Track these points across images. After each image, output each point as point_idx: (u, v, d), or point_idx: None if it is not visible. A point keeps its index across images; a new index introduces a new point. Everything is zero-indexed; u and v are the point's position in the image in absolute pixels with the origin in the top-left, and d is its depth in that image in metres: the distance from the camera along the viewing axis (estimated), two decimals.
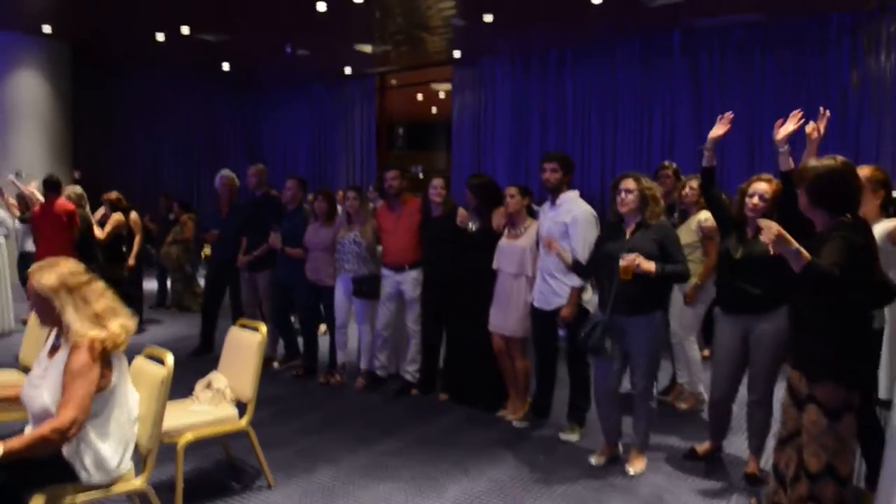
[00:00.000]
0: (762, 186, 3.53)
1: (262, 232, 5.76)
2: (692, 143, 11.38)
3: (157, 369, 2.74)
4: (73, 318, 2.46)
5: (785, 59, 10.75)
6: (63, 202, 6.52)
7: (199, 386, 3.51)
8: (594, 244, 3.93)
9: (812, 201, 2.68)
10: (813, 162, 2.72)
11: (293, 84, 15.48)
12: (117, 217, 7.17)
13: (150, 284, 10.60)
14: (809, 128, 3.21)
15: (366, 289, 5.17)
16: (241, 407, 3.45)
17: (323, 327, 6.59)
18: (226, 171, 6.37)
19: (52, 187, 6.56)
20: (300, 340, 5.92)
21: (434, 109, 17.46)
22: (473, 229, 4.76)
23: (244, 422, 3.37)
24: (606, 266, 3.68)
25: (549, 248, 3.93)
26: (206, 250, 13.11)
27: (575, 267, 3.93)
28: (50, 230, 6.44)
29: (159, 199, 9.78)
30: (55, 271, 2.52)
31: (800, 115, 3.32)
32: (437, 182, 5.06)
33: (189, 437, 3.16)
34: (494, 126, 13.45)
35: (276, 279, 5.79)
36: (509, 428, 4.48)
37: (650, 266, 3.47)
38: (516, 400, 4.67)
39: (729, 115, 3.72)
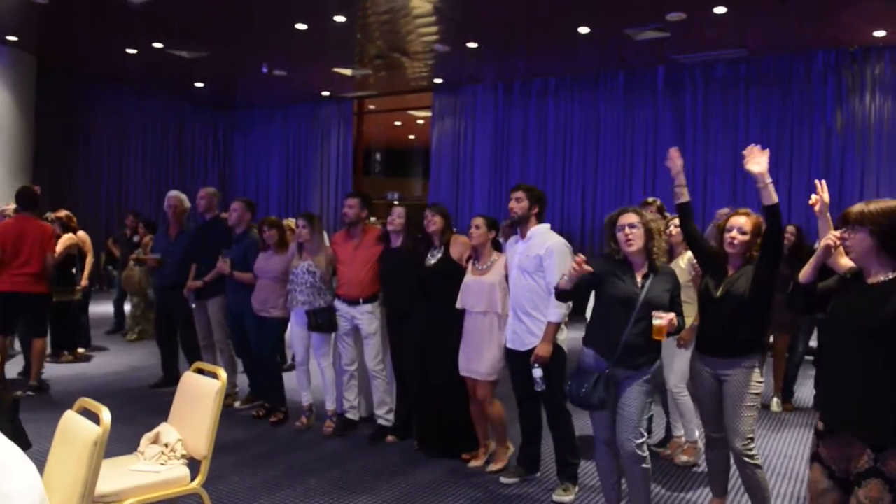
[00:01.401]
0: (740, 220, 3.31)
1: (211, 257, 5.38)
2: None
3: (89, 428, 2.29)
4: None
5: (769, 96, 10.69)
6: (43, 224, 6.06)
7: (145, 441, 3.04)
8: (594, 273, 3.53)
9: (883, 245, 2.34)
10: (875, 204, 2.40)
11: (269, 105, 15.13)
12: (69, 237, 6.73)
13: (102, 308, 10.06)
14: (812, 200, 3.00)
15: (321, 321, 4.79)
16: (193, 465, 2.99)
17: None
18: (173, 192, 6.04)
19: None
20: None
21: (412, 136, 17.21)
22: (433, 261, 4.44)
23: (196, 483, 2.91)
24: (617, 310, 3.29)
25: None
26: None
27: (561, 293, 3.51)
28: None
29: (126, 217, 9.26)
30: None
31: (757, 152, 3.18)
32: (398, 210, 4.73)
33: (131, 502, 2.70)
34: (474, 153, 13.20)
35: (229, 307, 5.42)
36: (495, 485, 4.06)
37: (676, 324, 3.16)
38: (498, 448, 4.30)
39: (673, 150, 3.56)
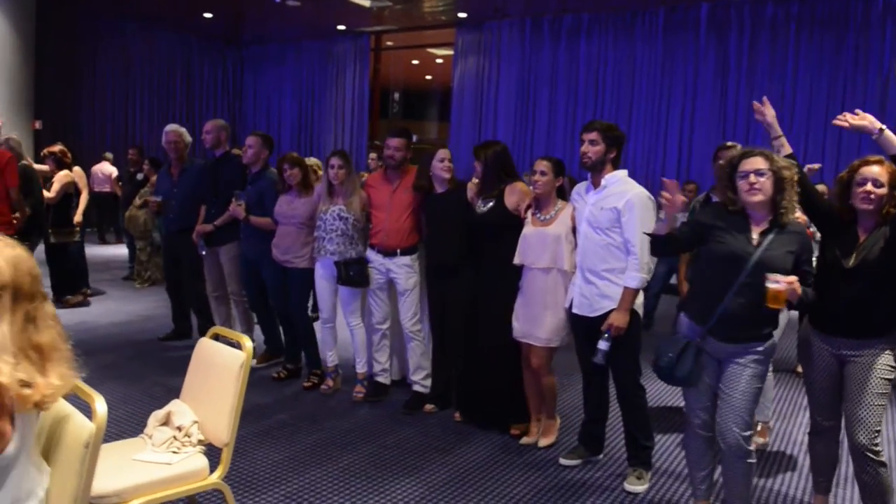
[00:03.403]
0: (874, 170, 2.66)
1: (222, 199, 4.77)
2: (714, 126, 10.55)
3: (79, 423, 1.72)
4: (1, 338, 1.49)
5: (822, 40, 9.87)
6: None
7: (154, 421, 2.49)
8: (694, 226, 2.94)
9: None
10: None
11: (281, 39, 14.28)
12: (65, 174, 6.17)
13: (111, 251, 9.52)
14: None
15: (353, 274, 4.19)
16: (211, 452, 2.44)
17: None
18: (171, 127, 5.25)
19: None
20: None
21: (429, 76, 16.36)
22: (483, 209, 3.82)
23: (217, 476, 2.37)
24: (718, 269, 2.72)
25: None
26: None
27: (658, 244, 2.92)
28: None
29: (128, 153, 8.62)
30: (12, 260, 1.54)
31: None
32: (444, 154, 4.09)
33: (137, 503, 2.15)
34: (498, 95, 12.42)
35: (243, 255, 4.79)
36: (554, 467, 3.53)
37: (800, 292, 2.52)
38: (547, 422, 3.80)
39: (763, 100, 2.97)
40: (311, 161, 5.95)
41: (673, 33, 10.84)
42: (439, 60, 14.73)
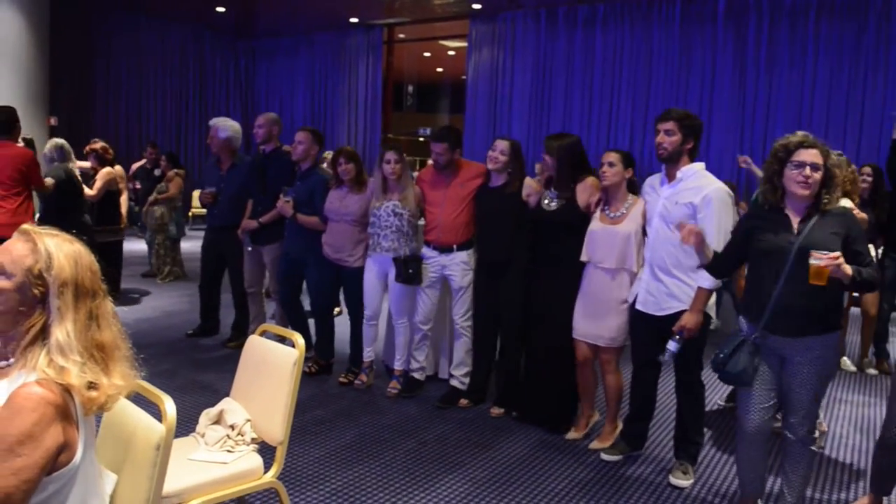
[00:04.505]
0: None
1: (270, 195, 4.69)
2: (732, 117, 10.43)
3: (147, 424, 1.69)
4: (64, 337, 1.45)
5: (842, 29, 9.73)
6: (16, 149, 4.88)
7: (205, 419, 2.45)
8: (736, 236, 2.91)
9: None
10: None
11: (293, 32, 14.21)
12: (107, 171, 6.15)
13: (130, 247, 9.51)
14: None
15: (412, 272, 4.11)
16: (264, 451, 2.41)
17: (336, 310, 5.62)
18: (213, 121, 5.19)
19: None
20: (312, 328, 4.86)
21: (441, 68, 16.28)
22: (553, 206, 3.70)
23: (272, 475, 2.34)
24: (765, 265, 2.67)
25: (686, 238, 2.84)
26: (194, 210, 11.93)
27: (713, 265, 2.89)
28: None
29: (145, 150, 8.61)
30: (73, 255, 1.51)
31: None
32: (501, 145, 3.96)
33: (195, 503, 2.12)
34: (513, 88, 12.29)
35: (285, 253, 4.72)
36: (596, 461, 3.49)
37: (848, 270, 2.44)
38: (607, 425, 3.71)
39: None
40: (326, 155, 5.89)
41: (690, 22, 10.72)
42: (451, 52, 14.65)
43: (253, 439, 2.40)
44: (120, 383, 1.54)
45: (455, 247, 4.11)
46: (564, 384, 3.78)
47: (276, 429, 2.33)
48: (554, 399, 3.82)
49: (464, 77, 12.92)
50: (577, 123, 11.57)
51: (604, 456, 3.53)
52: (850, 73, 9.64)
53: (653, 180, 3.42)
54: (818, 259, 2.42)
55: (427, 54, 15.39)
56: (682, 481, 3.28)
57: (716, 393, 4.44)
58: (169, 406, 1.69)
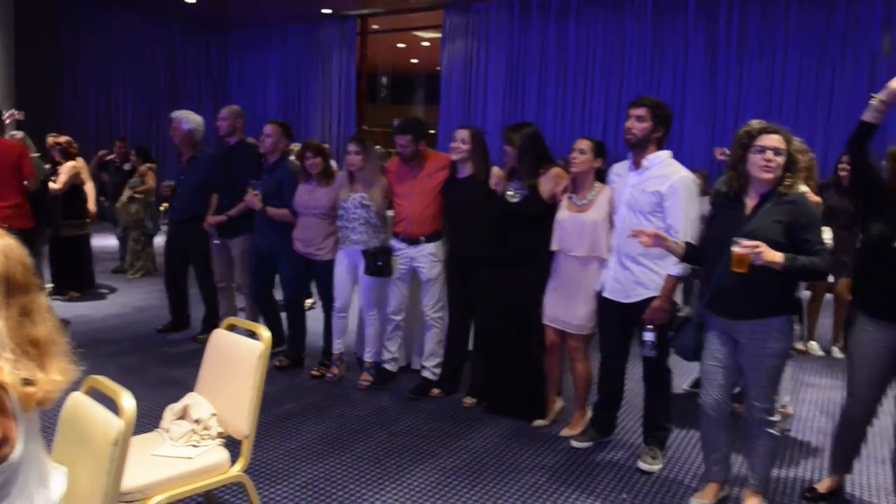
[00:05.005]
0: None
1: (236, 188, 4.66)
2: (704, 106, 10.53)
3: (104, 420, 1.67)
4: None
5: (811, 17, 9.86)
6: (9, 142, 5.01)
7: (170, 414, 2.44)
8: (705, 225, 2.97)
9: None
10: None
11: (265, 23, 14.06)
12: (72, 165, 6.08)
13: (101, 243, 9.38)
14: None
15: (381, 264, 4.10)
16: (230, 445, 2.40)
17: (308, 302, 5.58)
18: (175, 113, 5.14)
19: None
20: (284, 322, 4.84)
21: (416, 59, 16.21)
22: (516, 199, 3.70)
23: (238, 469, 2.34)
24: (715, 250, 2.73)
25: (646, 243, 2.85)
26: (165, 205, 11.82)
27: (688, 256, 2.92)
28: None
29: (114, 145, 8.49)
30: (2, 250, 1.47)
31: None
32: (462, 134, 3.95)
33: (160, 498, 2.11)
34: (487, 79, 12.30)
35: (256, 247, 4.69)
36: (566, 449, 3.53)
37: (775, 257, 2.49)
38: (576, 412, 3.75)
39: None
40: (294, 147, 5.85)
41: (662, 12, 10.79)
42: (426, 44, 14.59)
43: (220, 433, 2.39)
44: (58, 378, 1.50)
45: (423, 238, 4.11)
46: (534, 373, 3.80)
47: (242, 422, 2.32)
48: (524, 388, 3.85)
49: (438, 68, 12.89)
50: (551, 114, 11.61)
51: (574, 443, 3.57)
52: (819, 61, 9.77)
53: (619, 167, 3.44)
54: (736, 245, 2.49)
55: (401, 45, 15.32)
56: (650, 466, 3.33)
57: (684, 379, 4.50)
58: (126, 401, 1.68)
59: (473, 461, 3.35)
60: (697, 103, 10.58)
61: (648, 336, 3.12)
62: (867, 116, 2.71)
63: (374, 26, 13.77)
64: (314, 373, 4.50)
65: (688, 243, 2.90)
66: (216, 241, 4.89)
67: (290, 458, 3.31)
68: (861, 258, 2.89)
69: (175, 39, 14.00)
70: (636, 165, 3.28)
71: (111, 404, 1.75)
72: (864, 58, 9.58)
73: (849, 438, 3.02)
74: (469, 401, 4.09)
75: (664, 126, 3.23)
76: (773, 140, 2.62)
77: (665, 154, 3.26)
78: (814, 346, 5.43)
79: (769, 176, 2.63)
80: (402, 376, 4.46)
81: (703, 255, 2.87)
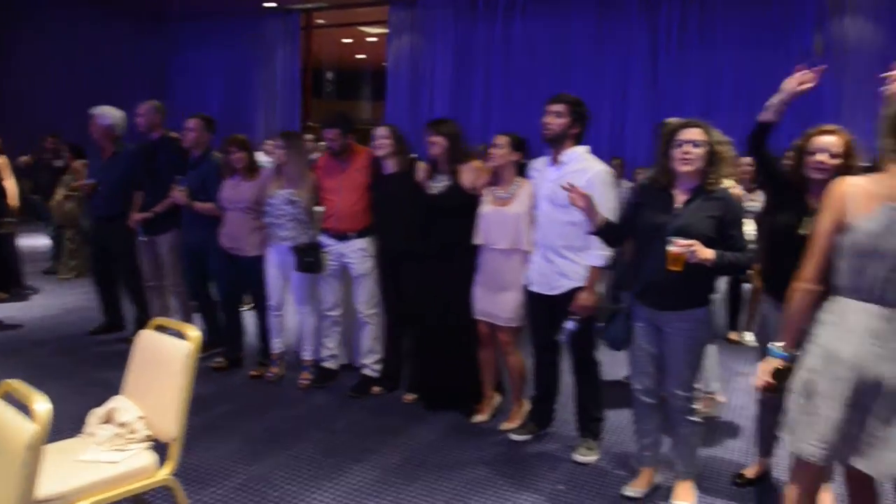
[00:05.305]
0: (828, 140, 2.73)
1: (160, 184, 4.57)
2: (646, 100, 10.74)
3: (16, 425, 1.62)
4: None
5: (747, 15, 10.16)
6: None
7: (95, 419, 2.38)
8: (626, 210, 3.04)
9: None
10: None
11: (206, 16, 13.75)
12: None
13: (31, 243, 9.06)
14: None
15: (311, 260, 4.07)
16: (159, 448, 2.35)
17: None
18: (94, 109, 5.07)
19: None
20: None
21: (362, 55, 16.10)
22: (440, 189, 3.75)
23: (166, 472, 2.29)
24: (645, 241, 2.81)
25: (575, 200, 2.89)
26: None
27: (604, 231, 2.98)
28: None
29: (45, 141, 8.19)
30: None
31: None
32: (382, 132, 3.96)
33: None
34: (433, 75, 12.30)
35: (185, 244, 4.63)
36: (505, 442, 3.57)
37: (708, 255, 2.60)
38: (514, 404, 3.79)
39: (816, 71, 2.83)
40: None
41: (606, 9, 10.95)
42: (373, 39, 14.51)
43: (147, 437, 2.34)
44: None
45: (353, 234, 4.09)
46: (470, 368, 3.83)
47: (170, 424, 2.28)
48: (461, 383, 3.88)
49: (385, 64, 12.83)
50: (498, 110, 11.67)
51: (513, 436, 3.61)
52: (756, 58, 10.05)
53: (538, 163, 3.51)
54: (672, 244, 2.57)
55: (347, 41, 15.19)
56: (586, 457, 3.39)
57: (623, 367, 4.59)
58: (39, 405, 1.63)
59: (412, 457, 3.36)
60: (640, 99, 10.79)
61: (570, 325, 3.20)
62: (765, 116, 2.82)
63: (319, 21, 13.62)
64: (253, 373, 4.44)
65: (609, 221, 2.96)
66: (143, 239, 4.77)
67: (224, 459, 3.26)
68: (769, 246, 3.00)
69: (111, 32, 13.56)
70: (555, 161, 3.36)
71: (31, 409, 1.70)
72: (797, 56, 9.92)
73: (766, 423, 3.14)
74: (409, 397, 4.10)
75: (581, 123, 3.31)
76: (692, 133, 2.71)
77: (582, 149, 3.34)
78: (747, 336, 5.61)
79: (688, 168, 2.72)
80: (344, 374, 4.43)
81: (633, 242, 2.96)
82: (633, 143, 10.44)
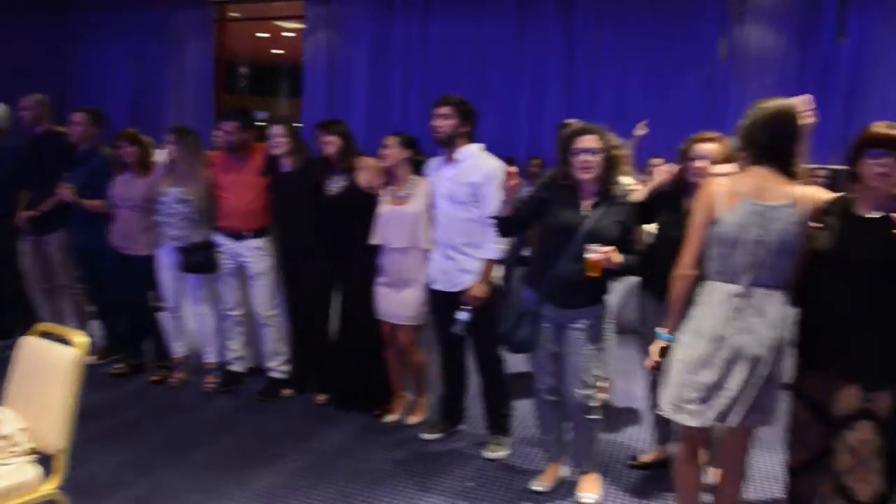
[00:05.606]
0: (709, 147, 2.88)
1: (46, 181, 4.35)
2: (562, 105, 10.95)
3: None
4: None
5: (657, 22, 10.50)
6: None
7: None
8: (529, 203, 3.08)
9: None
10: None
11: (114, 6, 13.14)
12: None
13: None
14: None
15: (199, 261, 3.97)
16: (44, 461, 2.23)
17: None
18: None
19: None
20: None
21: (279, 50, 15.77)
22: (337, 189, 3.74)
23: (52, 486, 2.17)
24: (555, 241, 2.86)
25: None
26: None
27: (503, 223, 3.01)
28: None
29: None
30: None
31: None
32: (277, 129, 3.88)
33: None
34: (351, 72, 12.17)
35: (75, 244, 4.43)
36: (417, 442, 3.57)
37: (620, 260, 2.71)
38: (417, 399, 3.84)
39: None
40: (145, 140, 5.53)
41: (523, 10, 11.10)
42: (291, 34, 14.23)
43: (32, 449, 2.21)
44: None
45: (248, 233, 3.99)
46: (378, 367, 3.82)
47: (55, 435, 2.16)
48: (369, 382, 3.86)
49: (302, 60, 12.60)
50: (416, 110, 11.63)
51: (423, 435, 3.62)
52: (665, 66, 10.41)
53: (432, 163, 3.56)
54: (590, 252, 2.65)
55: (263, 35, 14.85)
56: (495, 453, 3.43)
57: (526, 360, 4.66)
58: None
59: (321, 460, 3.32)
60: (558, 99, 10.98)
61: (463, 316, 3.23)
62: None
63: (233, 14, 13.25)
64: (154, 378, 4.28)
65: (502, 218, 2.99)
66: (30, 239, 4.52)
67: (120, 470, 3.12)
68: (649, 246, 3.14)
69: (17, 22, 12.75)
70: (449, 160, 3.41)
71: None
72: (704, 59, 10.32)
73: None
74: (321, 398, 4.04)
75: (469, 121, 3.38)
76: (587, 141, 2.79)
77: (476, 147, 3.41)
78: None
79: (588, 176, 2.81)
80: (253, 378, 4.31)
81: (539, 240, 3.01)
82: (551, 142, 10.59)
